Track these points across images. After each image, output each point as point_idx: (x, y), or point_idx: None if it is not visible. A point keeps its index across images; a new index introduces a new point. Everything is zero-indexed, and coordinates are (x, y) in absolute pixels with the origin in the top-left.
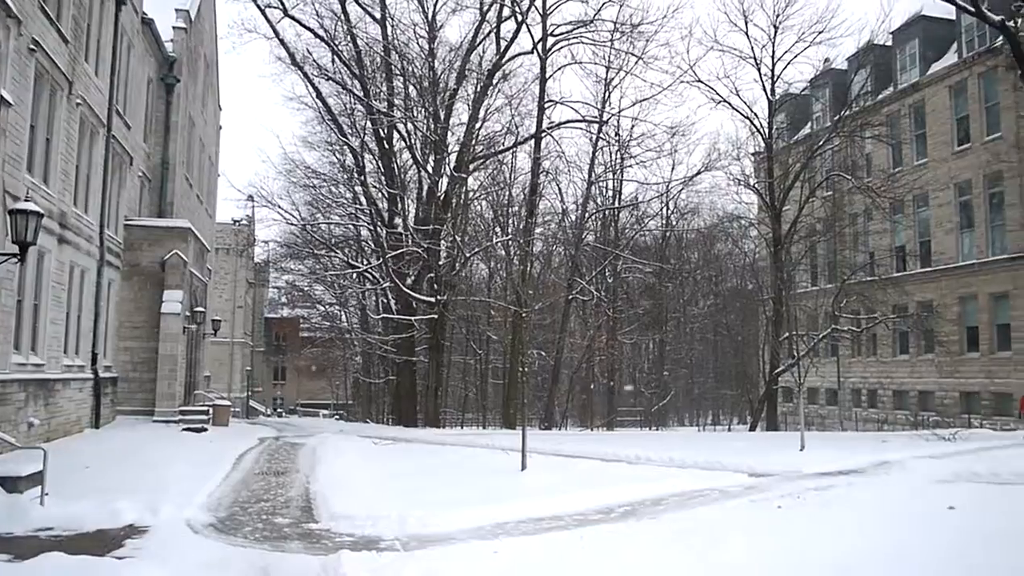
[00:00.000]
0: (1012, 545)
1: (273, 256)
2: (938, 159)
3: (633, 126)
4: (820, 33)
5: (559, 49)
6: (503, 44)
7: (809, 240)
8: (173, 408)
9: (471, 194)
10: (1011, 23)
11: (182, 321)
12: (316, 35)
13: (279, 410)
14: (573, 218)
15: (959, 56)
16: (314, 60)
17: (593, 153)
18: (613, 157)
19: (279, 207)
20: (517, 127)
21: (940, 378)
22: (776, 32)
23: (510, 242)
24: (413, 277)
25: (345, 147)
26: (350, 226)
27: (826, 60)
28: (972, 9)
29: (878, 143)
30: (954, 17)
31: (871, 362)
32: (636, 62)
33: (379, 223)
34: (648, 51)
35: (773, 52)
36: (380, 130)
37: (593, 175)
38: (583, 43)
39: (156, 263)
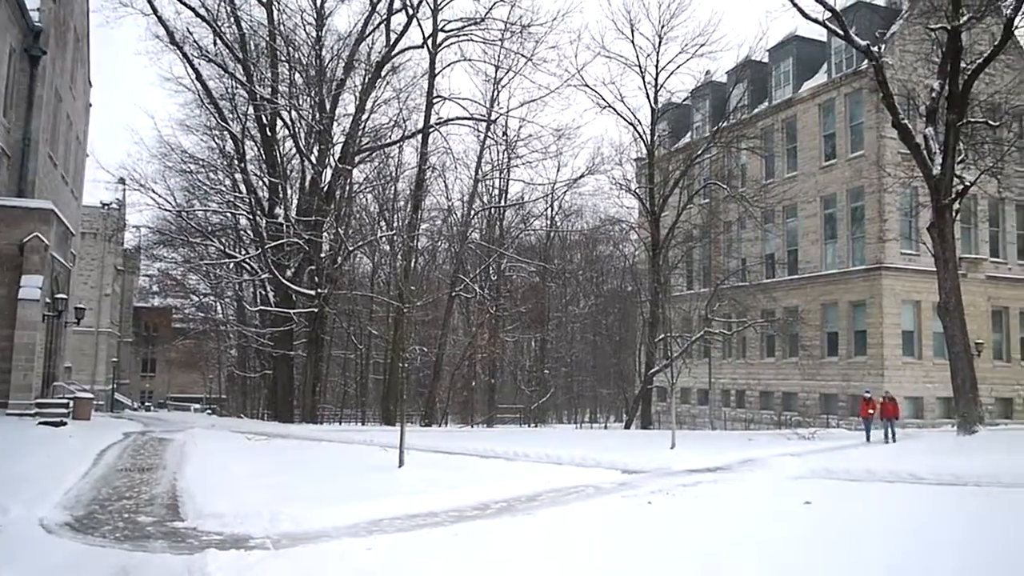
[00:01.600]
0: (859, 537)
1: (145, 243)
2: (807, 173)
3: (521, 127)
4: (702, 46)
5: (449, 45)
6: (393, 37)
7: (686, 245)
8: (29, 400)
9: (356, 187)
10: (875, 48)
11: (41, 308)
12: (197, 14)
13: (147, 404)
14: (459, 215)
15: (829, 76)
16: (195, 40)
17: (480, 151)
18: (500, 156)
19: (152, 191)
20: (405, 121)
21: (803, 380)
22: (660, 42)
23: (394, 237)
24: (293, 269)
25: (225, 132)
26: (228, 214)
27: (707, 72)
28: (841, 33)
29: (753, 155)
30: (825, 39)
31: (740, 364)
32: (525, 63)
33: (259, 212)
34: (537, 53)
35: (657, 61)
36: (263, 117)
37: (480, 173)
38: (473, 41)
39: (14, 246)
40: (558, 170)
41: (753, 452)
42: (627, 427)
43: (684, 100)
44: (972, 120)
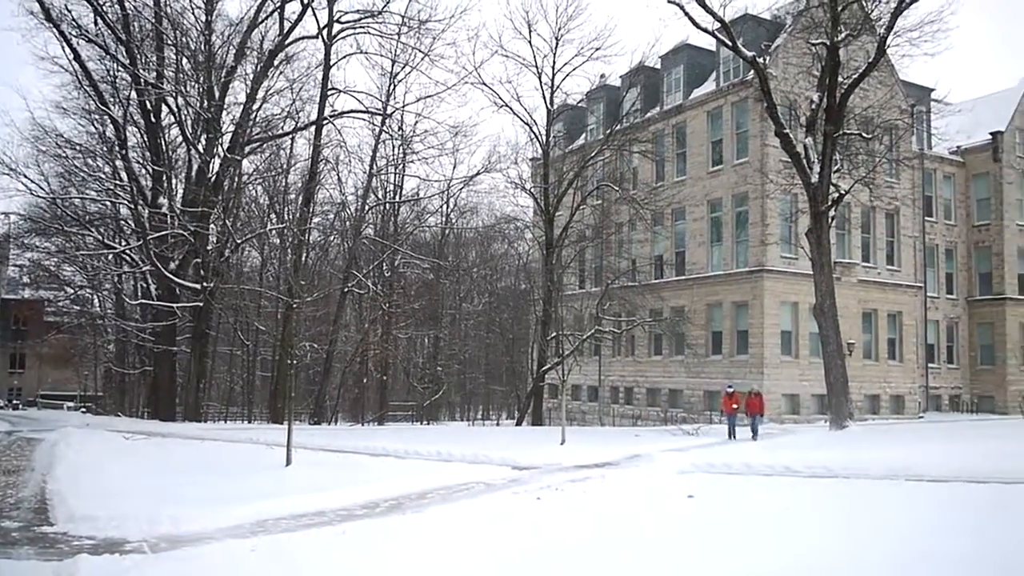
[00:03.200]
0: (737, 525)
1: (15, 231)
2: (695, 177)
3: (417, 122)
4: (597, 50)
5: (345, 37)
6: (287, 25)
7: (579, 245)
8: None
9: (245, 178)
10: (761, 60)
11: None
12: None
13: (15, 402)
14: (352, 210)
15: (717, 85)
16: (73, 19)
17: (375, 145)
18: (395, 151)
19: (24, 176)
20: (298, 112)
21: (688, 378)
22: (557, 44)
23: (285, 230)
24: (177, 262)
25: (105, 117)
26: (108, 203)
27: (602, 76)
28: (729, 43)
29: (644, 158)
30: (715, 49)
31: (629, 362)
32: (422, 58)
33: (141, 202)
34: (435, 49)
35: (554, 63)
36: (147, 102)
37: (374, 167)
38: (370, 34)
39: None
40: (454, 167)
41: (640, 448)
42: (519, 424)
43: (579, 102)
44: (848, 132)
